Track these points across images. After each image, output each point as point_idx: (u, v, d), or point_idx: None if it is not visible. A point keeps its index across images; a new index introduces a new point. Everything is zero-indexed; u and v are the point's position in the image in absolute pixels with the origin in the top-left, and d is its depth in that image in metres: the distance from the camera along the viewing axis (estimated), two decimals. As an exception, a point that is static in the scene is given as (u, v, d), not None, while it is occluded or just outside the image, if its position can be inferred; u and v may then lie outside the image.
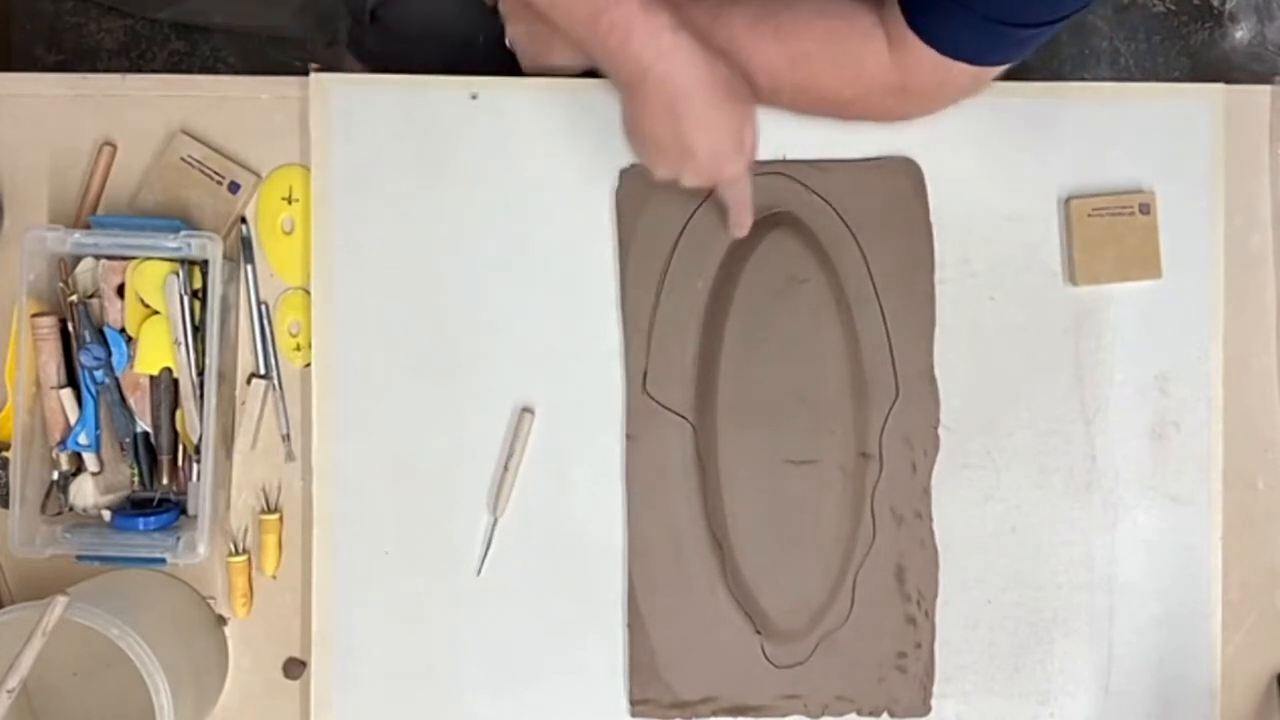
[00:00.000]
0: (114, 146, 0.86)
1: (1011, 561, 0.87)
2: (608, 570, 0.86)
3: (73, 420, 0.82)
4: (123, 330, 0.82)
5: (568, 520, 0.86)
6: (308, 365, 0.86)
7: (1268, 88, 0.89)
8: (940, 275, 0.87)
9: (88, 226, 0.83)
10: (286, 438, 0.86)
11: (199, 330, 0.81)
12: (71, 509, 0.83)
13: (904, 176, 0.86)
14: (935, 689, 0.86)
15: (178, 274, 0.81)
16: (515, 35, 0.87)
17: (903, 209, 0.86)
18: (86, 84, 0.86)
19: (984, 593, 0.87)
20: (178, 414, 0.83)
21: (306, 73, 0.86)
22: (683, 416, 0.85)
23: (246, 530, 0.86)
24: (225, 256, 0.81)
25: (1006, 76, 0.82)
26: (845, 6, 0.79)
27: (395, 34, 1.01)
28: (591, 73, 0.85)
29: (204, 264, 0.81)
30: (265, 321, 0.86)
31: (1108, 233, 0.86)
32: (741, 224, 0.82)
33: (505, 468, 0.85)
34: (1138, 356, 0.88)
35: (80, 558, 0.82)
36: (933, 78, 0.78)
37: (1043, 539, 0.87)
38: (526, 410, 0.85)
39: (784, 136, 0.86)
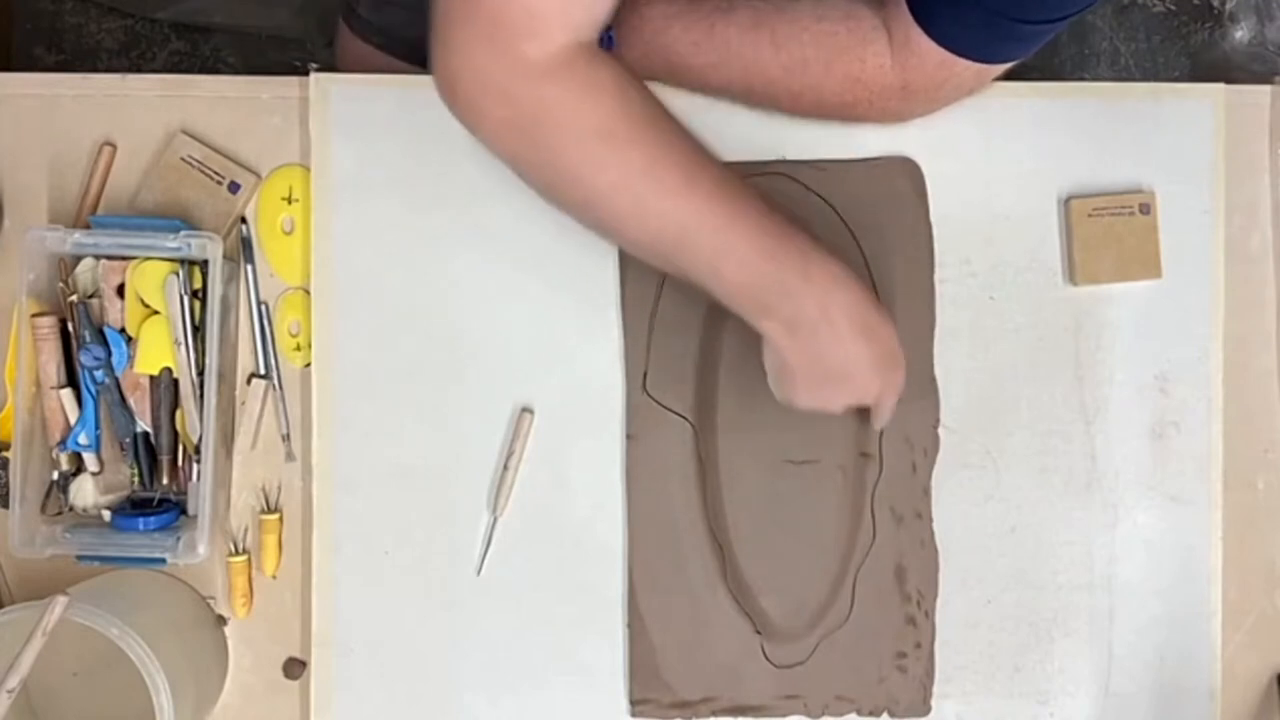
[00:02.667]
0: (114, 146, 0.86)
1: (1011, 561, 0.87)
2: (608, 570, 0.86)
3: (73, 420, 0.82)
4: (123, 330, 0.82)
5: (568, 520, 0.86)
6: (308, 365, 0.86)
7: (1268, 88, 0.89)
8: (940, 275, 0.87)
9: (88, 226, 0.83)
10: (286, 438, 0.86)
11: (199, 330, 0.81)
12: (71, 509, 0.83)
13: (904, 176, 0.86)
14: (935, 689, 0.86)
15: (178, 274, 0.81)
16: None
17: (903, 209, 0.86)
18: (86, 84, 0.86)
19: (984, 593, 0.87)
20: (178, 414, 0.83)
21: (306, 73, 0.86)
22: (683, 416, 0.85)
23: (246, 530, 0.86)
24: (225, 256, 0.81)
25: (1007, 76, 0.82)
26: (844, 8, 0.79)
27: (391, 1, 1.00)
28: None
29: (204, 264, 0.81)
30: (265, 321, 0.86)
31: (1108, 233, 0.86)
32: (880, 420, 0.79)
33: (505, 467, 0.85)
34: (1138, 356, 0.88)
35: (80, 558, 0.82)
36: (936, 75, 0.78)
37: (1043, 539, 0.87)
38: (526, 410, 0.85)
39: (784, 136, 0.86)
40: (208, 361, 0.81)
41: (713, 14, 0.79)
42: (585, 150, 0.67)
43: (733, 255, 0.69)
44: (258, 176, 0.86)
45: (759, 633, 0.85)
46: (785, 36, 0.78)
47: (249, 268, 0.86)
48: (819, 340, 0.71)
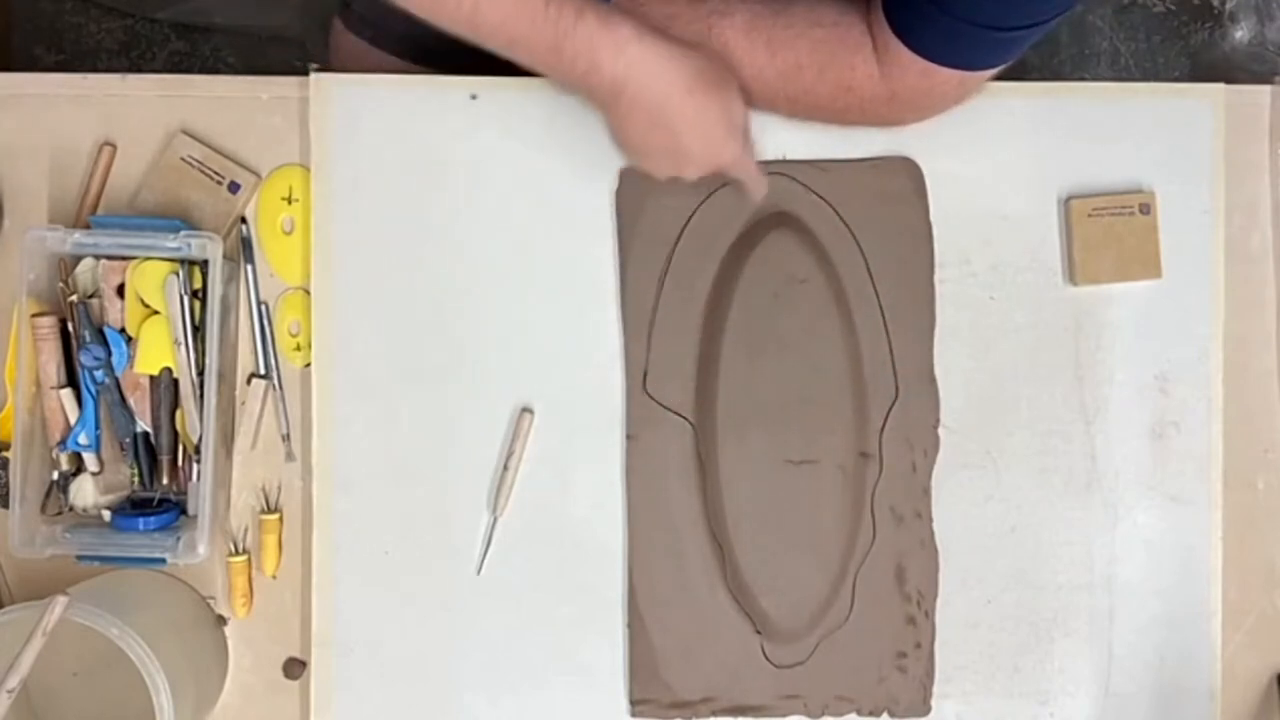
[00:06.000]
0: (114, 146, 0.86)
1: (1011, 561, 0.87)
2: (608, 570, 0.86)
3: (73, 420, 0.82)
4: (123, 330, 0.82)
5: (568, 520, 0.86)
6: (308, 365, 0.86)
7: (1268, 88, 0.89)
8: (940, 275, 0.87)
9: (88, 226, 0.83)
10: (286, 438, 0.86)
11: (199, 330, 0.81)
12: (71, 509, 0.83)
13: (904, 176, 0.86)
14: (935, 689, 0.86)
15: (178, 274, 0.81)
16: None
17: (903, 209, 0.86)
18: (86, 84, 0.86)
19: (984, 593, 0.87)
20: (178, 414, 0.83)
21: (306, 73, 0.86)
22: (683, 416, 0.85)
23: (246, 530, 0.86)
24: (225, 256, 0.81)
25: (1006, 76, 0.82)
26: (836, 14, 0.79)
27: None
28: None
29: (204, 264, 0.81)
30: (265, 321, 0.86)
31: (1108, 233, 0.86)
32: (757, 191, 0.82)
33: (505, 468, 0.85)
34: (1138, 356, 0.88)
35: (80, 558, 0.82)
36: (919, 85, 0.78)
37: (1043, 539, 0.87)
38: (526, 410, 0.85)
39: (784, 136, 0.86)
40: (208, 361, 0.81)
41: (711, 16, 0.79)
42: None
43: (523, 51, 0.72)
44: (258, 176, 0.86)
45: (759, 633, 0.85)
46: (781, 42, 0.79)
47: (249, 268, 0.86)
48: (625, 119, 0.74)
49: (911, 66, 0.77)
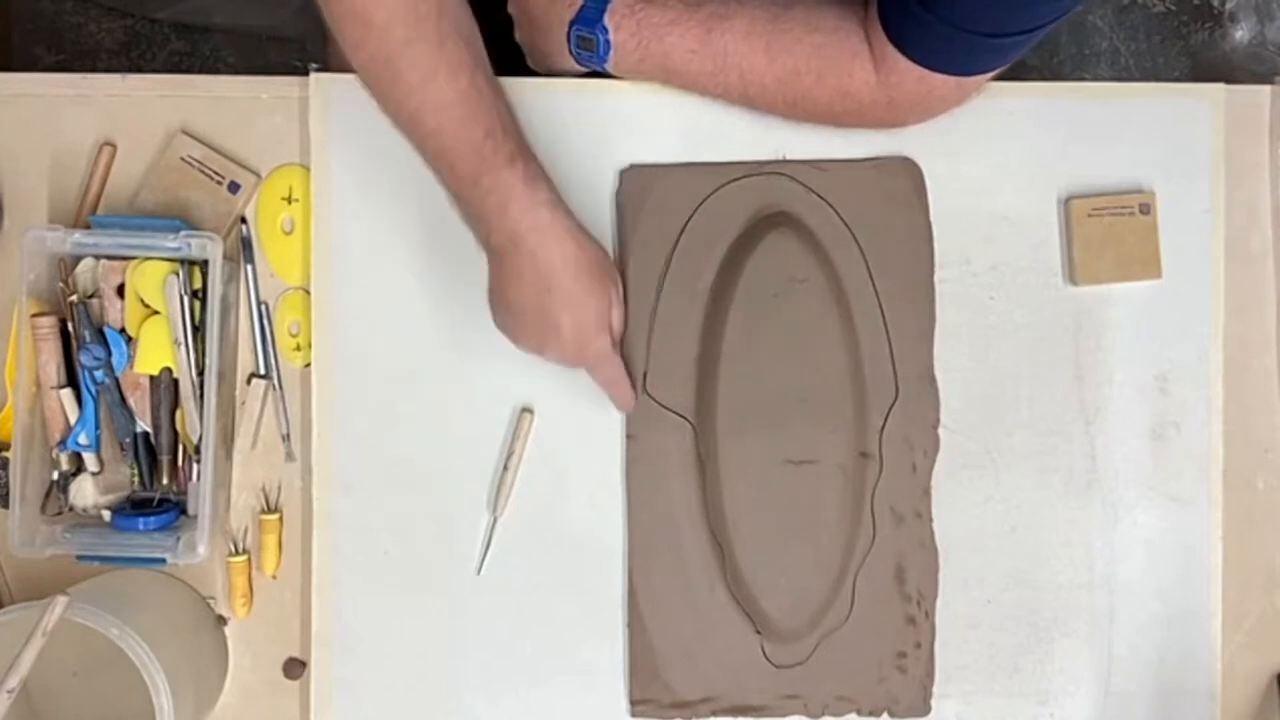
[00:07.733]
0: (114, 146, 0.86)
1: (1011, 561, 0.87)
2: (608, 570, 0.86)
3: (73, 420, 0.82)
4: (123, 330, 0.82)
5: (568, 520, 0.86)
6: (308, 365, 0.86)
7: (1268, 88, 0.89)
8: (940, 275, 0.87)
9: (88, 226, 0.83)
10: (286, 438, 0.86)
11: (199, 330, 0.81)
12: (71, 509, 0.83)
13: (904, 176, 0.86)
14: (935, 689, 0.86)
15: (178, 274, 0.81)
16: (521, 35, 0.87)
17: (903, 209, 0.86)
18: (86, 84, 0.86)
19: (984, 593, 0.87)
20: (178, 414, 0.83)
21: (306, 73, 0.86)
22: (683, 416, 0.85)
23: (246, 530, 0.86)
24: (225, 256, 0.81)
25: (1007, 76, 0.82)
26: (834, 20, 0.80)
27: None
28: (594, 73, 0.85)
29: (204, 264, 0.81)
30: (265, 321, 0.86)
31: (1108, 233, 0.86)
32: (622, 401, 0.82)
33: (505, 468, 0.85)
34: (1138, 356, 0.88)
35: (80, 558, 0.82)
36: (916, 90, 0.79)
37: (1043, 539, 0.87)
38: (526, 410, 0.85)
39: (784, 136, 0.86)
40: (208, 361, 0.81)
41: (710, 20, 0.79)
42: (344, 26, 0.71)
43: (445, 165, 0.74)
44: (258, 176, 0.86)
45: (759, 633, 0.85)
46: (779, 47, 0.79)
47: (249, 268, 0.86)
48: (509, 275, 0.75)
49: (908, 73, 0.77)
